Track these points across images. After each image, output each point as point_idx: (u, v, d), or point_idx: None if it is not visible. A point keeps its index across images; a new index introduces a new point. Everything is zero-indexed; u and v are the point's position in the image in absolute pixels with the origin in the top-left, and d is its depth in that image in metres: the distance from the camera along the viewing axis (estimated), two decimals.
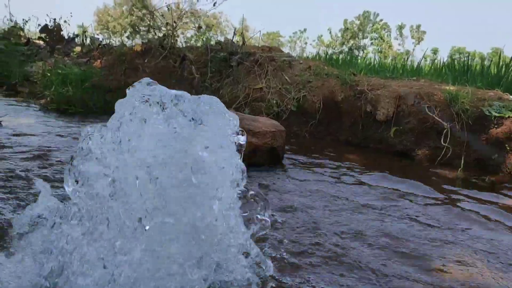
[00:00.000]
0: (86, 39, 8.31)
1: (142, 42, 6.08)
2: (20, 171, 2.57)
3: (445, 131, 3.80)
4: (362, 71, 6.62)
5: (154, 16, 6.36)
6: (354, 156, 3.90)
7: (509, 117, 3.61)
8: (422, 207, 2.55)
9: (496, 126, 3.65)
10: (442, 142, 3.78)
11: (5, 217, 1.87)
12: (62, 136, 3.76)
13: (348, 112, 4.45)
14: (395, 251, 1.88)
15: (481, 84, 4.89)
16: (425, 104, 3.97)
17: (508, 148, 3.51)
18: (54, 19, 8.95)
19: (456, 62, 6.18)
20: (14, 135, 3.60)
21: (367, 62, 9.20)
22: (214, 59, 5.24)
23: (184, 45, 6.90)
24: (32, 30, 12.56)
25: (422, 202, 2.66)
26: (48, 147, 3.27)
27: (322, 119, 4.57)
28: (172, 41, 6.04)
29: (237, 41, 5.59)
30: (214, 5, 5.82)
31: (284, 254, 1.75)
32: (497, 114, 3.67)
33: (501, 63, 5.92)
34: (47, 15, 9.02)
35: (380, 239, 2.00)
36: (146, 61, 5.70)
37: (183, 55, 5.52)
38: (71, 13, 9.14)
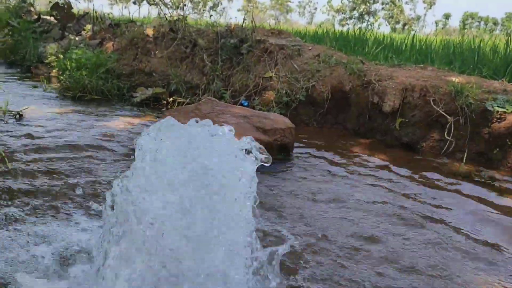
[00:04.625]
0: (96, 18, 8.35)
1: (154, 27, 6.15)
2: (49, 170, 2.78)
3: (448, 124, 3.93)
4: (371, 52, 6.68)
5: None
6: (360, 148, 4.07)
7: None
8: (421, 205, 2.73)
9: (498, 120, 3.77)
10: (446, 136, 3.92)
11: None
12: (85, 128, 3.96)
13: (356, 102, 4.58)
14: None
15: (487, 72, 4.97)
16: (431, 97, 4.08)
17: (509, 143, 3.64)
18: None
19: (462, 47, 6.22)
20: (37, 128, 3.80)
21: (379, 36, 9.20)
22: (225, 46, 5.34)
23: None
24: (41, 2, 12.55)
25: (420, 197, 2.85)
26: (74, 141, 3.47)
27: (330, 109, 4.70)
28: (183, 24, 6.09)
29: (248, 26, 5.66)
30: None
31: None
32: (500, 109, 3.78)
33: (510, 47, 5.93)
34: None
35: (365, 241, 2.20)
36: (157, 46, 5.81)
37: (194, 41, 5.62)
38: None
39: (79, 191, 2.48)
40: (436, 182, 3.26)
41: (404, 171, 3.47)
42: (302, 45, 5.41)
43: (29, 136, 3.55)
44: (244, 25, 5.70)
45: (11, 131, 3.65)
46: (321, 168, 3.41)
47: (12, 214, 2.18)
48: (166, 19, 6.00)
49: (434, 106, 4.03)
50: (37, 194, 2.45)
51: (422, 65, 5.15)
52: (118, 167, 2.99)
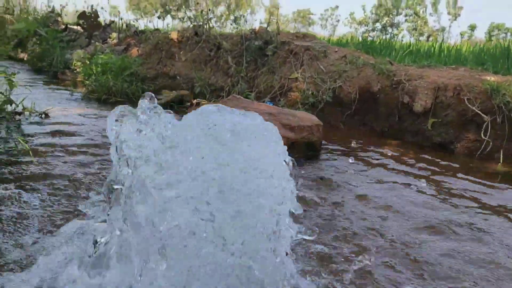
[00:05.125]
0: (122, 26, 8.45)
1: (178, 31, 6.16)
2: (73, 165, 2.73)
3: (485, 124, 3.74)
4: (398, 56, 6.51)
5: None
6: (390, 149, 3.91)
7: None
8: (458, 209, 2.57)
9: None
10: (482, 135, 3.73)
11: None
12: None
13: (385, 102, 4.43)
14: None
15: None
16: (465, 96, 3.91)
17: None
18: (92, 6, 9.15)
19: (496, 48, 6.00)
20: (62, 128, 3.78)
21: (404, 45, 9.02)
22: (249, 48, 5.28)
23: (216, 26, 6.95)
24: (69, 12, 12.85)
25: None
26: (96, 137, 3.43)
27: (358, 110, 4.56)
28: (207, 28, 6.08)
29: (272, 30, 5.59)
30: None
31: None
32: None
33: None
34: (84, 1, 9.24)
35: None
36: (181, 50, 5.79)
37: (219, 44, 5.58)
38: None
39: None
40: (474, 184, 3.08)
41: (439, 170, 3.31)
42: (328, 47, 5.30)
43: (53, 132, 3.53)
44: (268, 28, 5.64)
45: (37, 128, 3.64)
46: (350, 166, 3.27)
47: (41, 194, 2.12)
48: (191, 22, 6.00)
49: (469, 105, 3.85)
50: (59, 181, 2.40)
51: (453, 66, 4.97)
52: None
